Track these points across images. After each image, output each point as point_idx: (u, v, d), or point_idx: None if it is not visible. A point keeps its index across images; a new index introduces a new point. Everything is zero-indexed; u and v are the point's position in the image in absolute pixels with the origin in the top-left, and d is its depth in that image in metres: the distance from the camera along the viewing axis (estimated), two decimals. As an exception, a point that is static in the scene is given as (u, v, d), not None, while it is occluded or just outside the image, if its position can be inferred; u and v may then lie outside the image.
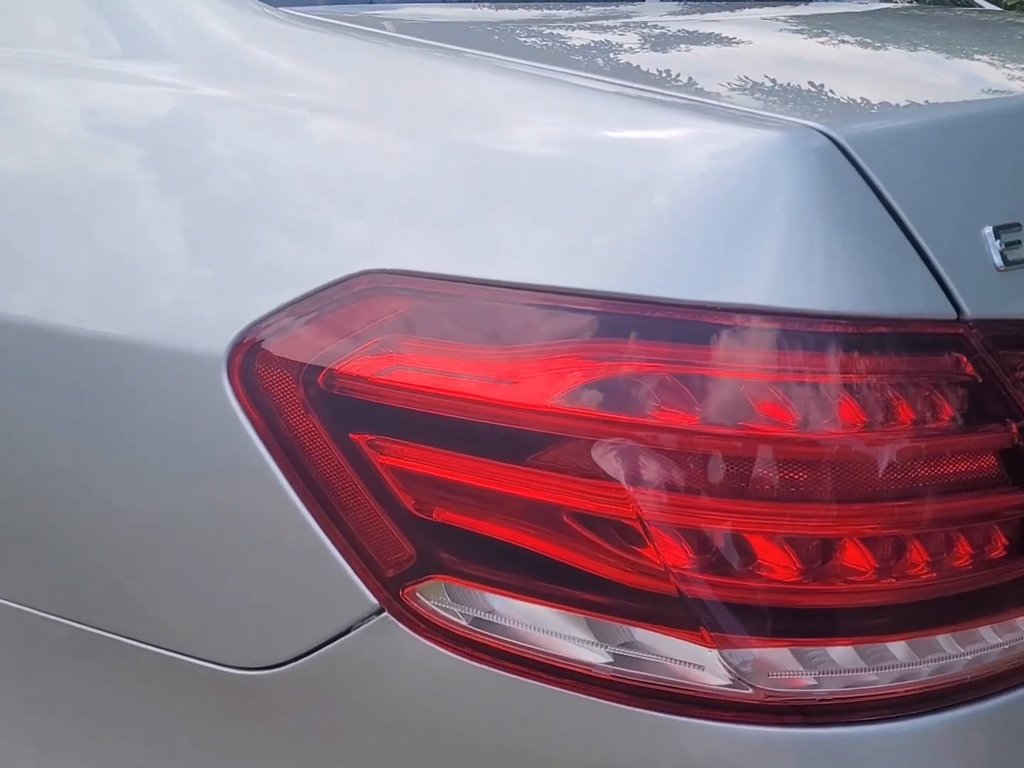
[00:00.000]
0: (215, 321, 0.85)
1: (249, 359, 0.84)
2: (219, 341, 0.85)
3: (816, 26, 1.19)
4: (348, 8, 1.08)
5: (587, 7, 1.26)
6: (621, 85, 0.86)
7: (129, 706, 0.96)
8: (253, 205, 0.88)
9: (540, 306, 0.76)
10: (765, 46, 1.08)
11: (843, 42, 1.06)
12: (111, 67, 1.00)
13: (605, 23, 1.17)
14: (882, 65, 0.97)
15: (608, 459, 0.74)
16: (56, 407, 0.92)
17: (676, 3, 1.39)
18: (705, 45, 1.08)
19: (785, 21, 1.26)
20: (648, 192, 0.77)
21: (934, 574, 0.76)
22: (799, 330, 0.72)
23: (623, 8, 1.29)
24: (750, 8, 1.32)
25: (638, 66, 0.97)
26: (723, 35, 1.14)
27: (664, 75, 0.90)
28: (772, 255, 0.73)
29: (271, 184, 0.88)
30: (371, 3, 1.12)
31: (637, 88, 0.87)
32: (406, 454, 0.81)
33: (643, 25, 1.18)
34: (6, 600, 1.00)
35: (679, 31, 1.15)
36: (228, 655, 0.88)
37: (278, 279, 0.85)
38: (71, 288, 0.93)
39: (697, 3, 1.40)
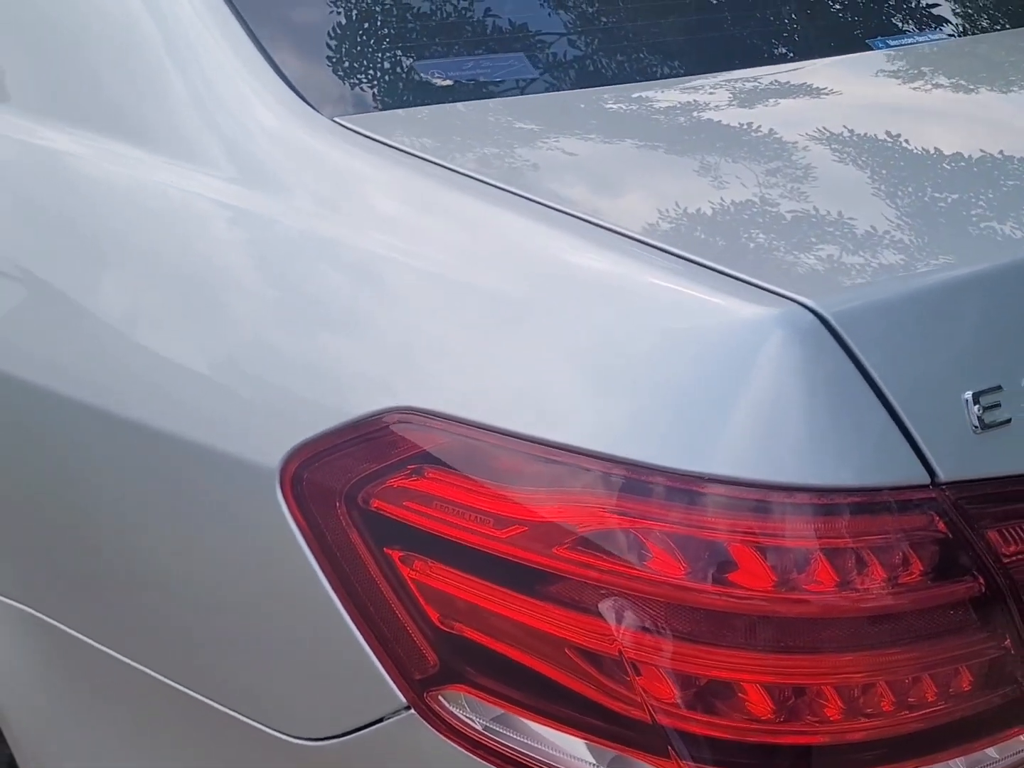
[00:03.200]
0: (273, 434, 0.95)
1: (300, 473, 0.94)
2: (275, 453, 0.95)
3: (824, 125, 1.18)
4: (419, 113, 1.13)
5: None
6: (609, 231, 0.92)
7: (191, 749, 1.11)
8: (305, 329, 0.98)
9: (554, 460, 0.84)
10: (755, 166, 1.07)
11: (847, 159, 1.09)
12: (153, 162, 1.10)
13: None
14: (881, 201, 1.00)
15: (599, 600, 0.83)
16: (130, 495, 1.05)
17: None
18: (697, 165, 1.08)
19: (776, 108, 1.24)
20: (638, 359, 0.84)
21: (905, 712, 0.83)
22: (778, 500, 0.79)
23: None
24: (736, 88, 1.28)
25: (618, 204, 1.01)
26: (712, 147, 1.12)
27: (659, 222, 0.96)
28: (753, 428, 0.80)
29: (320, 312, 0.97)
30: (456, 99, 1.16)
31: (621, 235, 0.92)
32: (431, 571, 0.90)
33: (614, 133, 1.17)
34: (95, 641, 1.14)
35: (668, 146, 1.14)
36: (282, 724, 1.00)
37: (326, 402, 0.94)
38: (148, 385, 1.04)
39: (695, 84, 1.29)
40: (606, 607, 0.83)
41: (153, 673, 1.08)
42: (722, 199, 1.00)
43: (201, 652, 1.04)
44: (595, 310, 0.90)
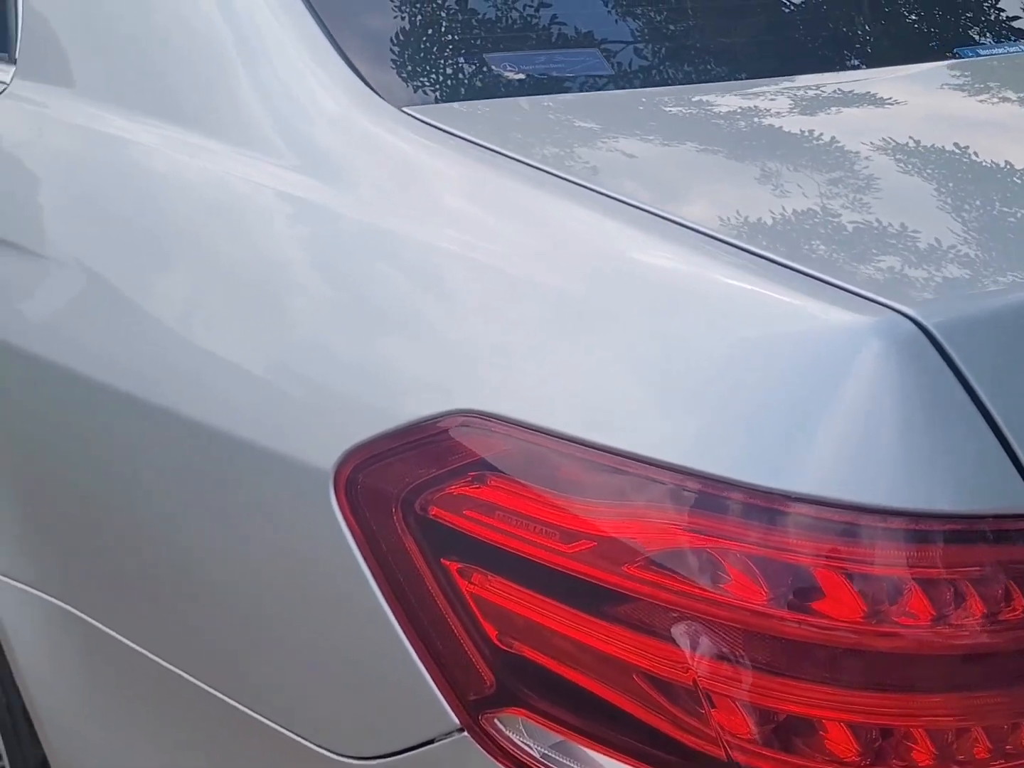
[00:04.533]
0: (327, 436, 0.91)
1: (354, 477, 0.89)
2: (329, 455, 0.90)
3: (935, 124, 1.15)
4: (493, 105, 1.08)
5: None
6: (709, 238, 0.87)
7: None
8: (364, 327, 0.93)
9: (624, 471, 0.79)
10: (864, 167, 1.01)
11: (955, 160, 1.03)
12: (223, 149, 1.06)
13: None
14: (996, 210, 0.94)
15: (681, 628, 0.77)
16: (177, 494, 1.01)
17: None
18: (779, 167, 1.01)
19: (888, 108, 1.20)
20: (717, 366, 0.79)
21: (1001, 760, 0.77)
22: (868, 524, 0.73)
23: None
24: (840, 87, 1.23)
25: (717, 207, 0.95)
26: (794, 150, 1.06)
27: (755, 224, 0.90)
28: (844, 445, 0.74)
29: (380, 310, 0.93)
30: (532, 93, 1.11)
31: (700, 234, 0.87)
32: (490, 585, 0.85)
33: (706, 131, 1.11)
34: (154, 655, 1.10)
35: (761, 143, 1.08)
36: (326, 739, 0.95)
37: (384, 404, 0.89)
38: (201, 382, 0.99)
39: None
40: (679, 632, 0.77)
41: (192, 679, 1.04)
42: (807, 201, 0.94)
43: (244, 660, 1.00)
44: (671, 312, 0.84)
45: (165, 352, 1.02)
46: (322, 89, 1.02)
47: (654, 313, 0.83)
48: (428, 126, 1.01)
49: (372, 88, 1.03)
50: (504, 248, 0.92)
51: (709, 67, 1.20)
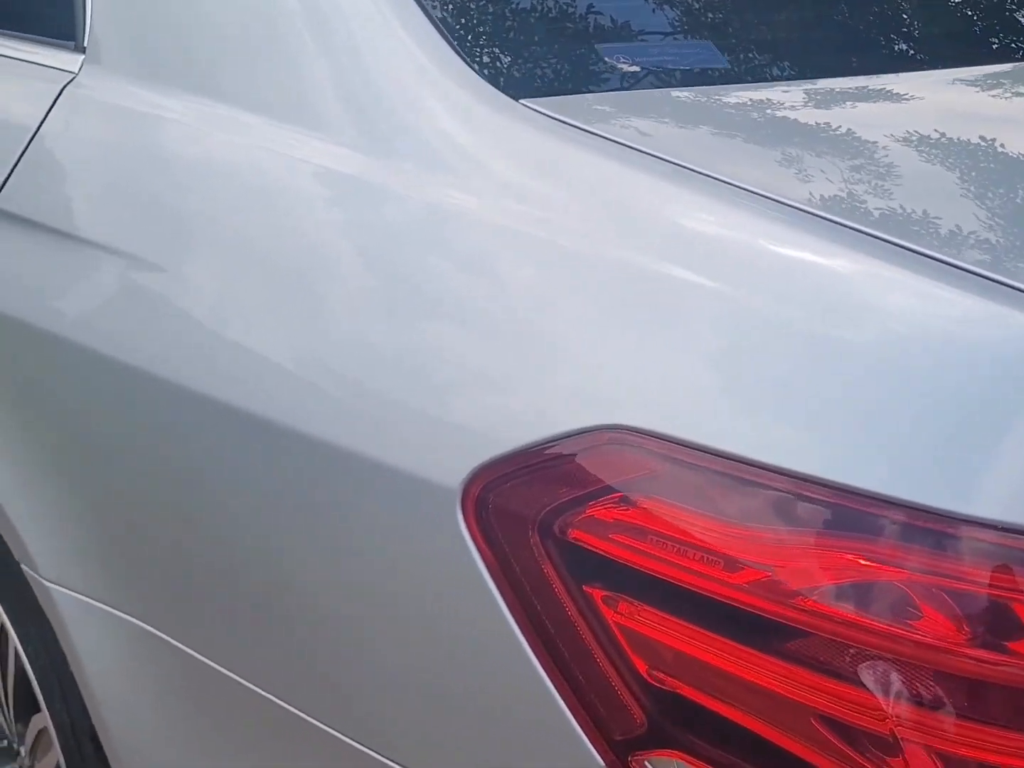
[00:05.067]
0: (454, 452, 0.84)
1: (485, 496, 0.83)
2: (457, 472, 0.84)
3: None
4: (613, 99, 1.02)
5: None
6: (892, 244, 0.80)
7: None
8: (494, 332, 0.87)
9: (798, 495, 0.73)
10: None
11: None
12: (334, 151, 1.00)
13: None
14: None
15: (865, 668, 0.71)
16: (278, 509, 0.94)
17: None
18: (928, 163, 0.96)
19: None
20: (899, 376, 0.73)
21: None
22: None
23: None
24: None
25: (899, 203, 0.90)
26: (947, 145, 0.99)
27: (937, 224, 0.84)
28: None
29: (511, 314, 0.86)
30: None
31: (863, 234, 0.80)
32: (641, 616, 0.78)
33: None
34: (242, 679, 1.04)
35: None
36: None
37: (519, 417, 0.83)
38: (310, 390, 0.93)
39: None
40: (863, 672, 0.70)
41: (293, 709, 0.97)
42: (959, 197, 0.89)
43: (354, 691, 0.93)
44: (837, 320, 0.77)
45: (270, 360, 0.95)
46: (435, 82, 0.96)
47: (823, 323, 0.77)
48: (552, 119, 0.94)
49: (488, 80, 0.96)
50: (646, 244, 0.86)
51: (833, 61, 1.13)
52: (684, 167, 0.89)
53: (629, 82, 1.03)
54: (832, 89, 1.10)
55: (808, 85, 1.10)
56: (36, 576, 1.19)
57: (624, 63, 1.05)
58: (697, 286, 0.83)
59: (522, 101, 0.96)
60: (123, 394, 1.08)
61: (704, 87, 1.05)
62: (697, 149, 0.96)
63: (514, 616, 0.81)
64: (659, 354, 0.80)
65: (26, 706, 1.35)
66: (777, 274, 0.81)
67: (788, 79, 1.11)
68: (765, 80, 1.09)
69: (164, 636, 1.10)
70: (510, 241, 0.89)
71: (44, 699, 1.26)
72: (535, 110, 0.95)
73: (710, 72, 1.07)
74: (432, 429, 0.86)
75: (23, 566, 1.22)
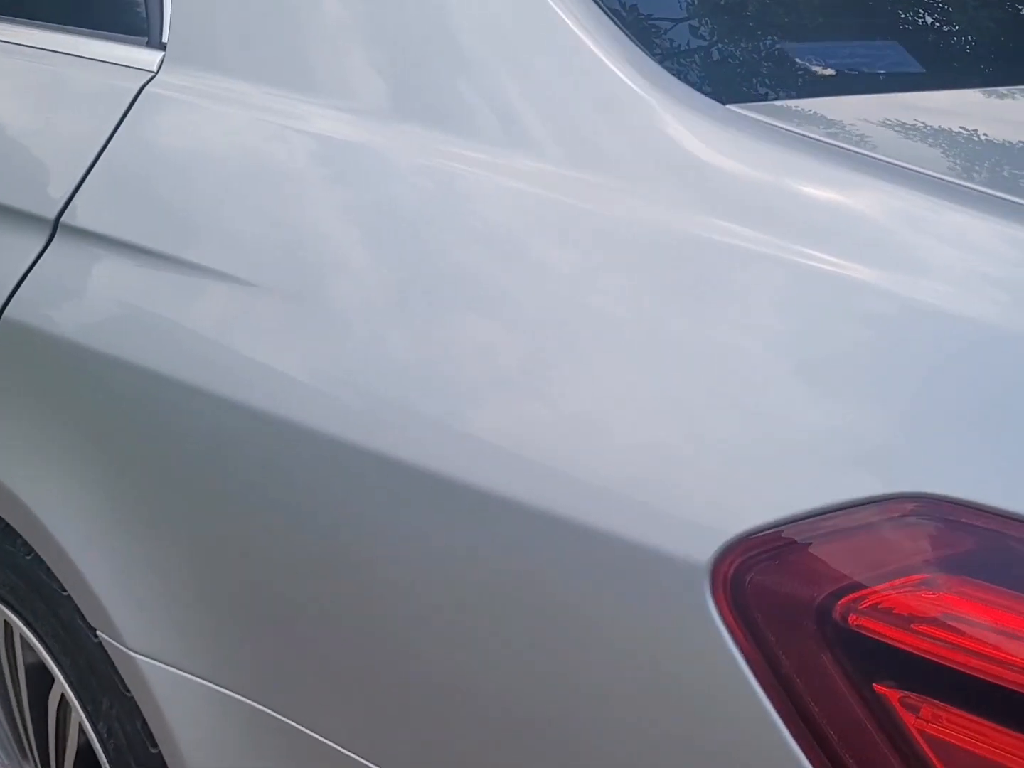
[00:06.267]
0: (702, 520, 0.71)
1: (741, 575, 0.70)
2: (704, 546, 0.71)
3: None
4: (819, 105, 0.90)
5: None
6: None
7: None
8: (747, 374, 0.73)
9: None
10: None
11: None
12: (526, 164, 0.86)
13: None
14: None
15: None
16: (479, 590, 0.80)
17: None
18: None
19: None
20: None
21: None
22: None
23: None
24: None
25: None
26: None
27: None
28: None
29: (795, 364, 0.73)
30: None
31: None
32: (950, 721, 0.66)
33: None
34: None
35: None
36: None
37: (786, 481, 0.70)
38: (526, 456, 0.78)
39: None
40: None
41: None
42: None
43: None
44: None
45: (429, 408, 0.81)
46: (637, 88, 0.83)
47: None
48: (767, 125, 0.82)
49: (691, 86, 0.84)
50: (895, 266, 0.74)
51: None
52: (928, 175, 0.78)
53: (827, 86, 0.91)
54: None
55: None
56: (118, 646, 1.04)
57: (818, 65, 0.93)
58: (973, 321, 0.71)
59: (729, 106, 0.84)
60: (233, 428, 0.94)
61: (911, 93, 0.93)
62: (929, 156, 0.84)
63: (784, 721, 0.68)
64: (953, 405, 0.68)
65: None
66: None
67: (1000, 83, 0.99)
68: (968, 85, 0.98)
69: (281, 717, 0.96)
70: (742, 264, 0.76)
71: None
72: (746, 115, 0.83)
73: (908, 77, 0.96)
74: (673, 493, 0.72)
75: (100, 633, 1.07)
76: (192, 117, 1.07)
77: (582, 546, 0.74)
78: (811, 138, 0.81)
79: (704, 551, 0.70)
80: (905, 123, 0.89)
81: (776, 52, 0.93)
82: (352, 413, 0.85)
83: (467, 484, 0.78)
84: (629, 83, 0.82)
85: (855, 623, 0.67)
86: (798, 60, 0.93)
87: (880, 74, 0.94)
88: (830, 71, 0.92)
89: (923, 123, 0.91)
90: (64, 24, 1.23)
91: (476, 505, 0.78)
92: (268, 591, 0.95)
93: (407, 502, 0.82)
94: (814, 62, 0.93)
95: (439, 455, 0.80)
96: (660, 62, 0.84)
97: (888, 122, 0.89)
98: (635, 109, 0.81)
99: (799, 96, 0.89)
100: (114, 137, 1.09)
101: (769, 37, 0.94)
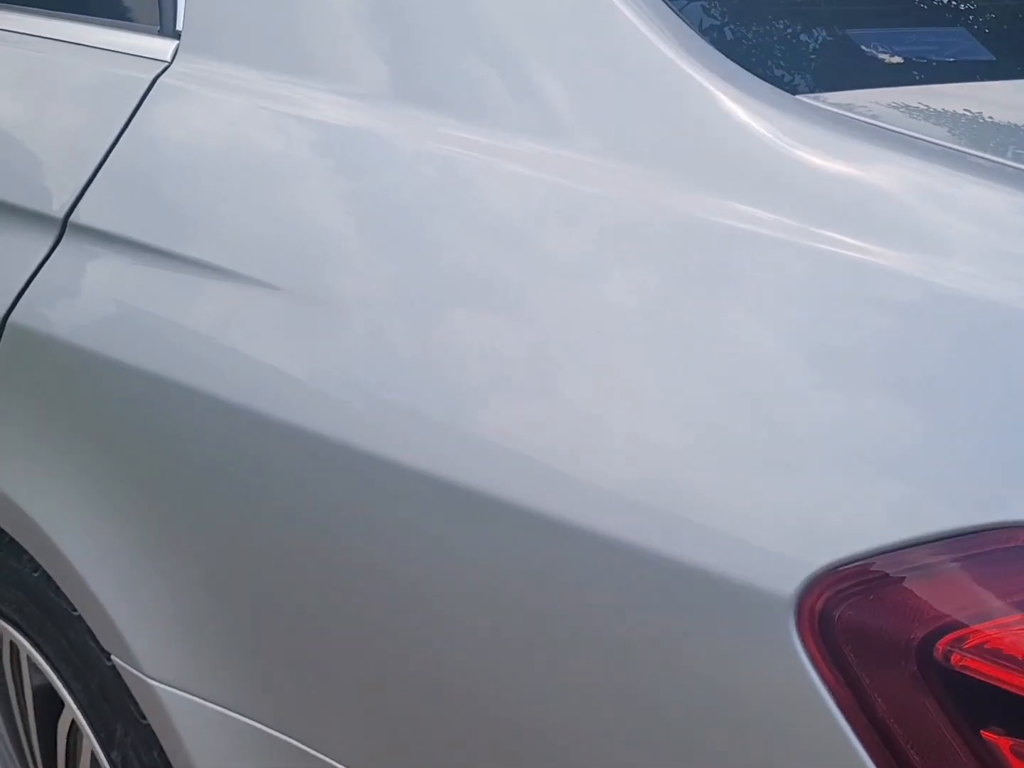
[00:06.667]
0: (785, 548, 0.65)
1: (829, 610, 0.64)
2: (788, 577, 0.65)
3: None
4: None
5: None
6: None
7: None
8: (832, 381, 0.68)
9: None
10: None
11: None
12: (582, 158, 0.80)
13: None
14: None
15: None
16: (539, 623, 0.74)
17: None
18: None
19: None
20: None
21: None
22: None
23: None
24: None
25: None
26: None
27: None
28: None
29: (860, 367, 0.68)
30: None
31: None
32: (1072, 774, 0.61)
33: None
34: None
35: None
36: None
37: (881, 507, 0.64)
38: (591, 482, 0.72)
39: None
40: None
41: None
42: None
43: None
44: None
45: (483, 432, 0.76)
46: (706, 80, 0.77)
47: None
48: (846, 117, 0.76)
49: (760, 76, 0.78)
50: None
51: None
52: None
53: (897, 75, 0.85)
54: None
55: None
56: (135, 672, 0.98)
57: (884, 53, 0.87)
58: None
59: (799, 97, 0.78)
60: (256, 438, 0.88)
61: (986, 83, 0.87)
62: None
63: (875, 759, 0.62)
64: None
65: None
66: None
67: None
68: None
69: (304, 747, 0.90)
70: (855, 282, 0.70)
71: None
72: (821, 107, 0.77)
73: (982, 65, 0.90)
74: (753, 518, 0.67)
75: (115, 658, 1.01)
76: (211, 110, 1.01)
77: (649, 575, 0.68)
78: (892, 130, 0.75)
79: (788, 583, 0.64)
80: (977, 113, 0.84)
81: (842, 39, 0.87)
82: (367, 421, 0.80)
83: (515, 504, 0.72)
84: (687, 69, 0.76)
85: (959, 664, 0.61)
86: (864, 48, 0.87)
87: (949, 62, 0.88)
88: (897, 59, 0.87)
89: (993, 116, 0.86)
90: (68, 11, 1.17)
91: (525, 524, 0.73)
92: (283, 610, 0.89)
93: (450, 522, 0.76)
94: (880, 49, 0.87)
95: (501, 481, 0.74)
96: (730, 55, 0.78)
97: (956, 112, 0.83)
98: (693, 96, 0.75)
99: (870, 85, 0.83)
100: (126, 131, 1.02)
101: (832, 24, 0.88)
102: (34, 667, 1.15)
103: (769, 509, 0.66)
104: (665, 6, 0.80)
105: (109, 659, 1.01)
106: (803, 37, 0.86)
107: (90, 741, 1.08)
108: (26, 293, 1.04)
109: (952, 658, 0.61)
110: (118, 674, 1.01)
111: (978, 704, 0.61)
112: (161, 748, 1.00)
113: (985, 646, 0.61)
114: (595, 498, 0.70)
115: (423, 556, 0.79)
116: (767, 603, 0.64)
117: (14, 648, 1.19)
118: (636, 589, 0.68)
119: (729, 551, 0.66)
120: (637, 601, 0.69)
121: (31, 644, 1.13)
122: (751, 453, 0.67)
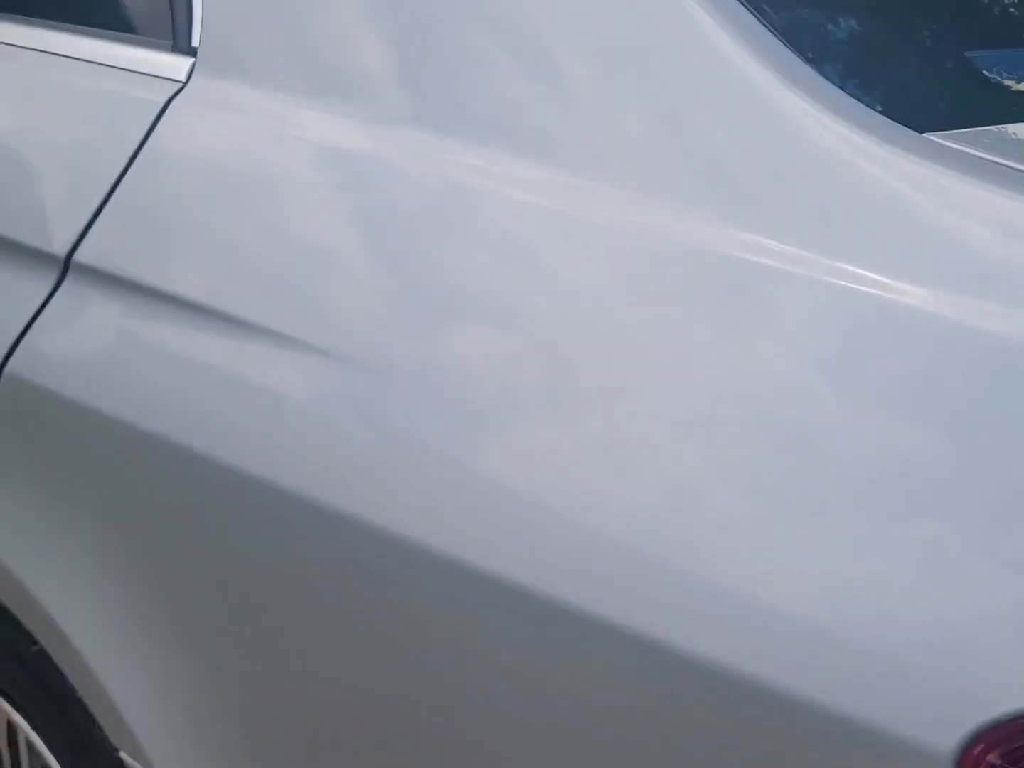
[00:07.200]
0: (945, 699, 0.55)
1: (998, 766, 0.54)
2: (948, 729, 0.54)
3: None
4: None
5: None
6: None
7: None
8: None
9: None
10: None
11: None
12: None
13: None
14: None
15: None
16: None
17: None
18: None
19: None
20: None
21: None
22: None
23: None
24: None
25: None
26: None
27: None
28: None
29: None
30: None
31: None
32: None
33: None
34: None
35: None
36: None
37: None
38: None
39: None
40: None
41: None
42: None
43: None
44: None
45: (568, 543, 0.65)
46: (824, 120, 0.66)
47: None
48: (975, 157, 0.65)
49: (883, 114, 0.67)
50: None
51: None
52: None
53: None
54: None
55: None
56: (145, 771, 0.87)
57: (1009, 79, 0.76)
58: None
59: (927, 135, 0.67)
60: (277, 517, 0.77)
61: None
62: None
63: None
64: None
65: None
66: None
67: None
68: None
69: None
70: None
71: None
72: (950, 146, 0.66)
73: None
74: (908, 666, 0.56)
75: (122, 754, 0.90)
76: (231, 137, 0.89)
77: (776, 716, 0.57)
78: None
79: (947, 735, 0.53)
80: None
81: (969, 68, 0.76)
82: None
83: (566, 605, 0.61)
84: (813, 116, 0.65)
85: None
86: (985, 71, 0.76)
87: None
88: (1019, 85, 0.76)
89: None
90: (70, 23, 1.05)
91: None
92: (310, 714, 0.78)
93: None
94: (1004, 75, 0.76)
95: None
96: (845, 90, 0.67)
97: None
98: (810, 144, 0.64)
99: (995, 121, 0.72)
100: (136, 159, 0.91)
101: (953, 50, 0.77)
102: (33, 751, 1.05)
103: (910, 651, 0.55)
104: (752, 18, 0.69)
105: (117, 753, 0.91)
106: (930, 68, 0.75)
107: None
108: (23, 341, 0.93)
109: None
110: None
111: None
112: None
113: None
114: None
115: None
116: (922, 756, 0.53)
117: (12, 728, 1.08)
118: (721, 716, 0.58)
119: (872, 693, 0.55)
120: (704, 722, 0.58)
121: (30, 726, 1.03)
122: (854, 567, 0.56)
